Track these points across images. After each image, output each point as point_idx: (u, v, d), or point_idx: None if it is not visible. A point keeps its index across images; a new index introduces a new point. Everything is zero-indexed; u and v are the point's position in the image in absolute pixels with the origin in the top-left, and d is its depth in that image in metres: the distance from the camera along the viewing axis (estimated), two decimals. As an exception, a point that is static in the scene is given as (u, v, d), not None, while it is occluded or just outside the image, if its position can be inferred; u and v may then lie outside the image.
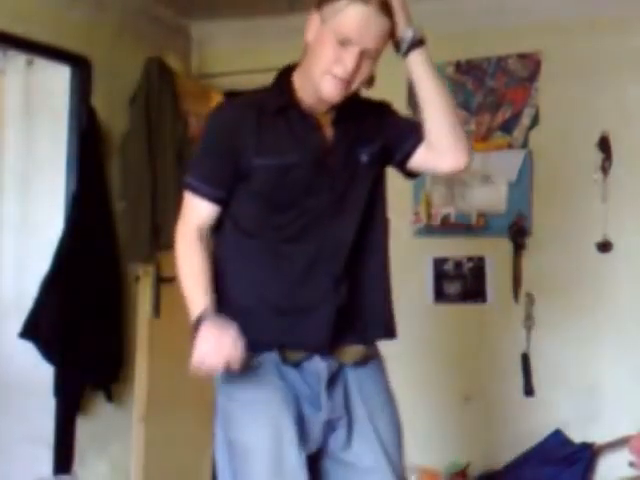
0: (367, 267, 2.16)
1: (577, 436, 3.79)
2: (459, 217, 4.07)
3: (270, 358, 2.06)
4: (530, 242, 3.94)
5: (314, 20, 2.14)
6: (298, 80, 2.11)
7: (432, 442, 4.09)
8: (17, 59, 3.95)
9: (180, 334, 4.35)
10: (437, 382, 4.11)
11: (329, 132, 2.10)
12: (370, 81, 2.14)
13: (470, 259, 4.05)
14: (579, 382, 3.83)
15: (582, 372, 3.83)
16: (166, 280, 4.18)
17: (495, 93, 4.04)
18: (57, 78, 3.93)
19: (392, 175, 4.29)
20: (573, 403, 3.84)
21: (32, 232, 3.98)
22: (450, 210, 4.08)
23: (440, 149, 2.11)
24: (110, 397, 3.97)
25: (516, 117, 3.98)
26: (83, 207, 3.81)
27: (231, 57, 4.63)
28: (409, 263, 4.19)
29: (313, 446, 2.09)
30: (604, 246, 3.76)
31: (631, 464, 3.36)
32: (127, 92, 4.07)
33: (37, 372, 3.79)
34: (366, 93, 2.22)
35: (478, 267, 4.03)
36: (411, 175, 2.27)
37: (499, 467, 3.87)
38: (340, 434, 2.11)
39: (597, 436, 3.74)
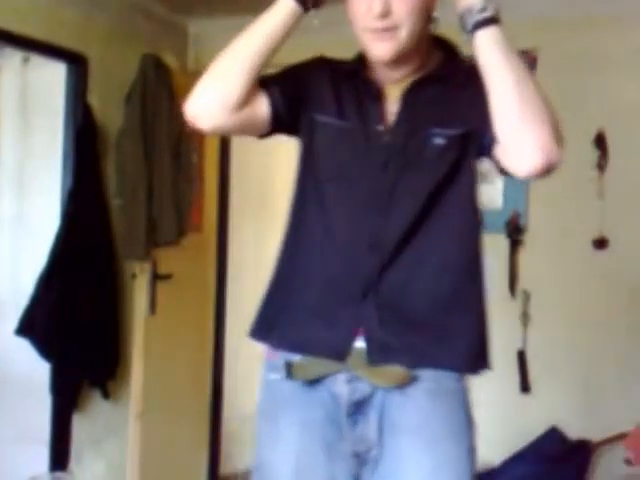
0: (429, 272, 1.78)
1: (573, 433, 3.80)
2: (455, 214, 4.06)
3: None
4: (526, 239, 3.94)
5: None
6: None
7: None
8: (13, 56, 3.95)
9: (176, 332, 4.39)
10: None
11: (393, 106, 1.83)
12: (428, 20, 1.85)
13: (466, 256, 4.05)
14: (575, 379, 3.84)
15: (578, 369, 3.83)
16: (162, 277, 4.19)
17: (491, 90, 4.03)
18: (53, 75, 3.92)
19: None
20: (569, 400, 3.84)
21: (28, 229, 3.97)
22: (446, 207, 4.09)
23: (509, 150, 1.71)
24: (106, 394, 3.97)
25: (512, 114, 3.97)
26: (79, 204, 3.80)
27: (227, 54, 4.63)
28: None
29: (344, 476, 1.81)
30: (600, 243, 3.77)
31: (627, 461, 3.37)
32: (123, 89, 4.06)
33: (33, 369, 3.78)
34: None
35: (474, 264, 4.03)
36: (505, 173, 1.80)
37: (495, 464, 3.87)
38: (369, 470, 1.80)
39: (593, 433, 3.75)
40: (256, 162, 5.40)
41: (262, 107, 1.85)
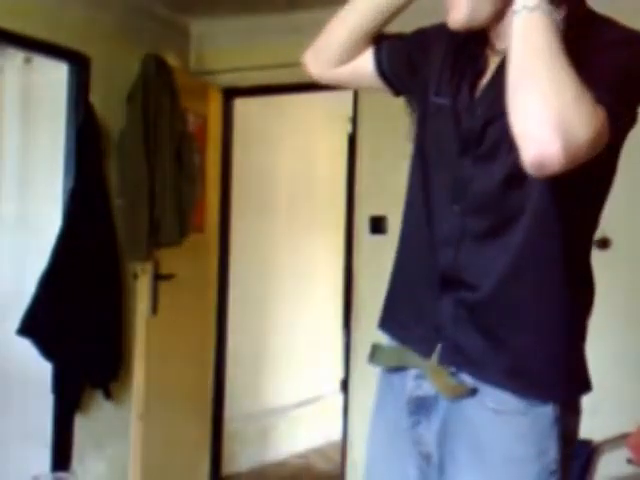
0: (507, 280, 1.58)
1: (575, 433, 3.79)
2: (457, 214, 4.06)
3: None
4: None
5: None
6: None
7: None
8: (15, 56, 3.95)
9: (178, 332, 4.39)
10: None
11: (485, 81, 1.60)
12: None
13: (468, 256, 4.05)
14: (577, 379, 3.84)
15: (580, 369, 3.83)
16: (164, 278, 4.19)
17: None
18: (55, 75, 3.93)
19: (391, 173, 4.30)
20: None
21: (30, 229, 3.98)
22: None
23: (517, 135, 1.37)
24: (108, 395, 3.97)
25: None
26: (81, 204, 3.80)
27: (230, 54, 4.63)
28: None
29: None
30: (603, 243, 3.76)
31: (629, 461, 3.37)
32: (125, 89, 4.07)
33: (35, 370, 3.79)
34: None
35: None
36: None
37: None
38: (435, 473, 1.68)
39: (595, 433, 3.74)
40: (258, 162, 5.41)
41: (368, 66, 1.84)
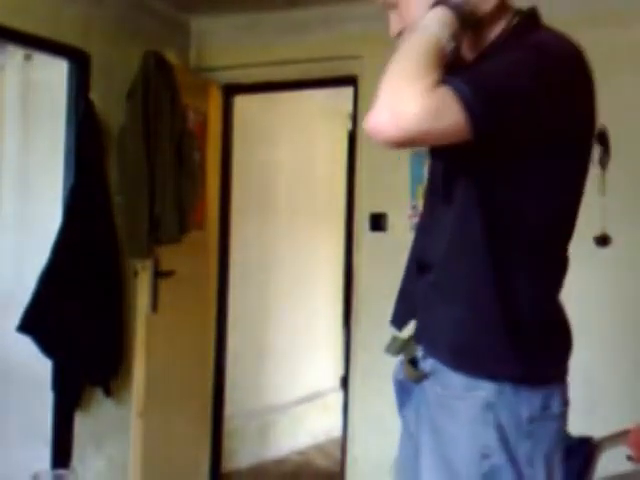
0: (438, 265, 1.72)
1: (575, 430, 3.79)
2: (457, 211, 4.06)
3: None
4: (528, 236, 3.93)
5: None
6: None
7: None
8: (15, 54, 3.95)
9: (178, 329, 4.39)
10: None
11: None
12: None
13: (468, 253, 4.05)
14: (577, 376, 3.82)
15: (579, 366, 3.81)
16: (164, 275, 4.19)
17: (493, 87, 4.03)
18: (55, 72, 3.93)
19: (391, 170, 4.30)
20: (571, 397, 3.84)
21: (30, 226, 3.98)
22: (448, 204, 4.08)
23: None
24: (108, 392, 3.97)
25: (514, 111, 3.97)
26: (81, 201, 3.80)
27: (230, 51, 4.63)
28: (406, 258, 4.20)
29: None
30: (602, 240, 3.76)
31: (629, 458, 3.37)
32: (125, 86, 4.06)
33: (35, 367, 3.79)
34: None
35: (476, 261, 4.03)
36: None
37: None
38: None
39: (595, 430, 3.75)
40: (258, 159, 5.41)
41: None
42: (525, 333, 1.65)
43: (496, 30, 1.75)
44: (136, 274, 4.14)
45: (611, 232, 3.75)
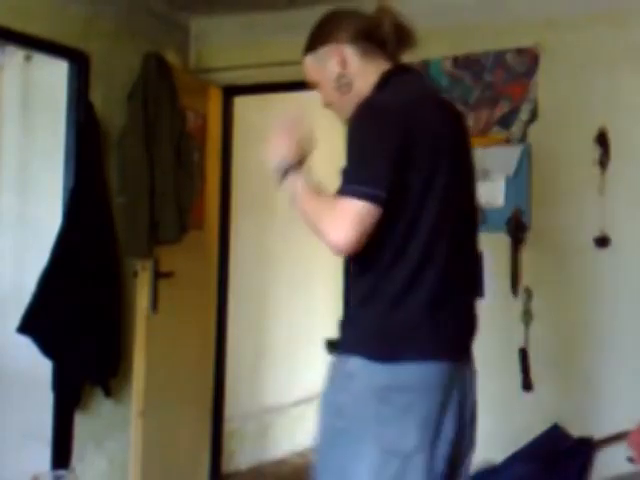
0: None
1: (575, 431, 3.80)
2: (457, 212, 4.06)
3: None
4: (528, 237, 3.93)
5: None
6: None
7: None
8: (15, 54, 3.96)
9: (178, 329, 4.39)
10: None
11: None
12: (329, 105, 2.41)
13: (468, 254, 4.05)
14: (577, 377, 3.84)
15: (580, 367, 3.83)
16: (164, 275, 4.19)
17: (493, 88, 4.03)
18: (55, 73, 3.93)
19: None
20: (571, 398, 3.84)
21: (30, 227, 3.98)
22: (448, 205, 4.08)
23: None
24: (108, 392, 3.98)
25: (514, 112, 3.97)
26: (81, 202, 3.81)
27: (230, 52, 4.63)
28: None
29: None
30: (602, 241, 3.76)
31: (629, 459, 3.37)
32: (125, 87, 4.07)
33: (35, 367, 3.79)
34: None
35: (476, 262, 4.03)
36: None
37: (497, 462, 3.87)
38: None
39: (595, 431, 3.75)
40: (257, 160, 5.39)
41: None
42: (389, 326, 2.06)
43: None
44: (136, 274, 4.14)
45: (610, 233, 3.76)
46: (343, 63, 2.20)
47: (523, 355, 3.91)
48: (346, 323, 2.20)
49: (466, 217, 2.26)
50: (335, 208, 1.96)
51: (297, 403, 5.84)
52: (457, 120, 2.25)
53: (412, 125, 2.00)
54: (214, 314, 4.78)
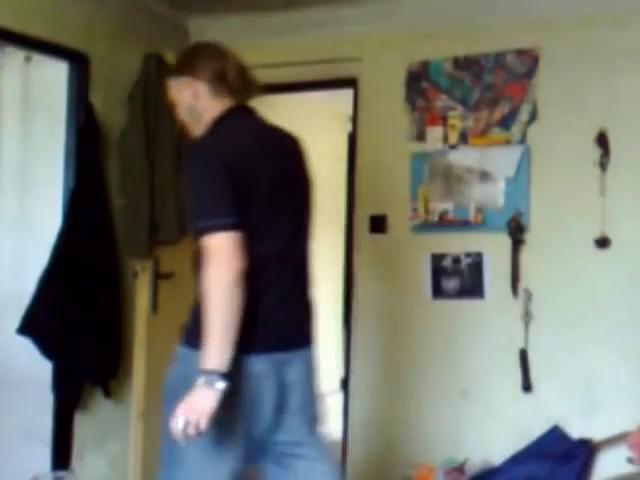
0: None
1: (575, 432, 3.80)
2: (457, 213, 4.07)
3: None
4: (528, 238, 3.94)
5: None
6: None
7: (429, 438, 4.10)
8: (15, 55, 3.95)
9: (178, 330, 4.37)
10: (435, 378, 4.12)
11: None
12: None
13: (468, 255, 4.05)
14: (577, 378, 3.83)
15: (580, 368, 3.83)
16: (164, 276, 4.19)
17: (493, 89, 4.03)
18: (55, 74, 3.93)
19: (391, 172, 4.29)
20: (571, 399, 3.84)
21: (30, 228, 3.98)
22: (448, 206, 4.08)
23: None
24: (108, 393, 3.97)
25: (514, 113, 3.97)
26: (81, 203, 3.81)
27: (229, 53, 4.63)
28: (407, 259, 4.20)
29: None
30: (602, 242, 3.76)
31: (629, 460, 3.37)
32: (125, 88, 4.07)
33: (35, 368, 3.79)
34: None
35: (476, 263, 4.03)
36: None
37: (497, 463, 3.87)
38: None
39: (595, 432, 3.75)
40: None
41: None
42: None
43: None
44: (136, 275, 4.14)
45: (611, 234, 3.75)
46: (195, 96, 2.60)
47: (523, 356, 3.91)
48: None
49: (297, 225, 2.62)
50: (209, 250, 2.30)
51: (297, 404, 5.83)
52: (289, 147, 2.69)
53: (234, 158, 2.39)
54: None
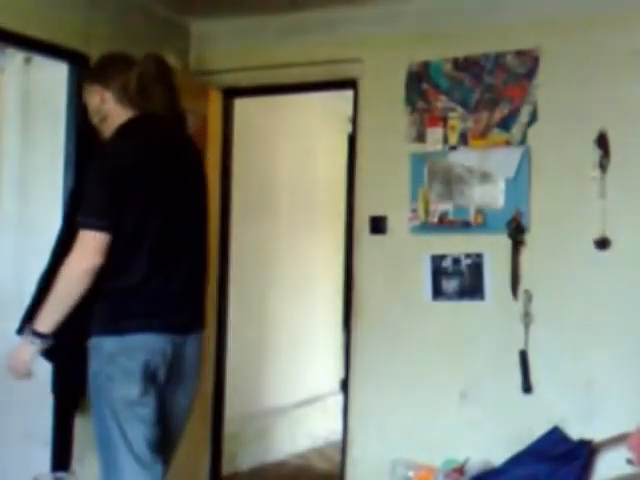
0: None
1: (575, 433, 3.80)
2: (457, 214, 4.07)
3: None
4: (528, 239, 3.94)
5: None
6: None
7: (430, 439, 4.10)
8: (15, 56, 3.95)
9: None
10: (435, 379, 4.12)
11: None
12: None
13: (468, 256, 4.05)
14: (577, 379, 3.84)
15: (580, 369, 3.83)
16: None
17: (493, 90, 4.03)
18: (55, 75, 3.93)
19: (391, 173, 4.29)
20: (571, 400, 3.84)
21: (30, 229, 3.97)
22: (448, 207, 4.08)
23: None
24: (108, 394, 3.96)
25: (514, 114, 3.98)
26: (81, 203, 3.79)
27: (230, 54, 4.64)
28: (407, 260, 4.20)
29: None
30: (602, 243, 3.76)
31: (629, 461, 3.37)
32: (125, 89, 4.06)
33: (35, 370, 3.78)
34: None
35: (476, 264, 4.03)
36: None
37: (497, 464, 3.87)
38: None
39: (595, 433, 3.75)
40: (257, 163, 5.41)
41: None
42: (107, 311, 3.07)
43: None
44: (136, 276, 4.13)
45: (611, 235, 3.76)
46: (102, 101, 3.00)
47: (523, 357, 3.92)
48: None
49: (189, 227, 3.00)
50: (76, 241, 2.79)
51: (297, 405, 5.85)
52: (186, 150, 3.05)
53: (127, 162, 2.79)
54: (214, 316, 4.77)
